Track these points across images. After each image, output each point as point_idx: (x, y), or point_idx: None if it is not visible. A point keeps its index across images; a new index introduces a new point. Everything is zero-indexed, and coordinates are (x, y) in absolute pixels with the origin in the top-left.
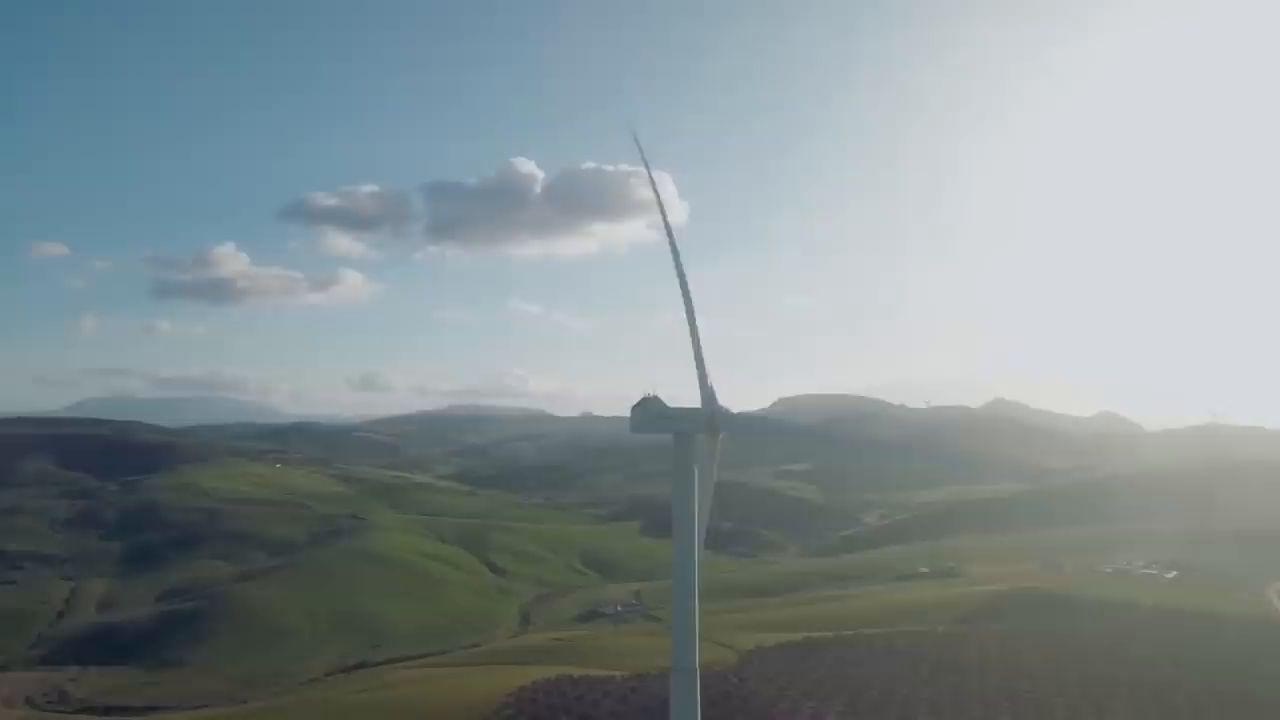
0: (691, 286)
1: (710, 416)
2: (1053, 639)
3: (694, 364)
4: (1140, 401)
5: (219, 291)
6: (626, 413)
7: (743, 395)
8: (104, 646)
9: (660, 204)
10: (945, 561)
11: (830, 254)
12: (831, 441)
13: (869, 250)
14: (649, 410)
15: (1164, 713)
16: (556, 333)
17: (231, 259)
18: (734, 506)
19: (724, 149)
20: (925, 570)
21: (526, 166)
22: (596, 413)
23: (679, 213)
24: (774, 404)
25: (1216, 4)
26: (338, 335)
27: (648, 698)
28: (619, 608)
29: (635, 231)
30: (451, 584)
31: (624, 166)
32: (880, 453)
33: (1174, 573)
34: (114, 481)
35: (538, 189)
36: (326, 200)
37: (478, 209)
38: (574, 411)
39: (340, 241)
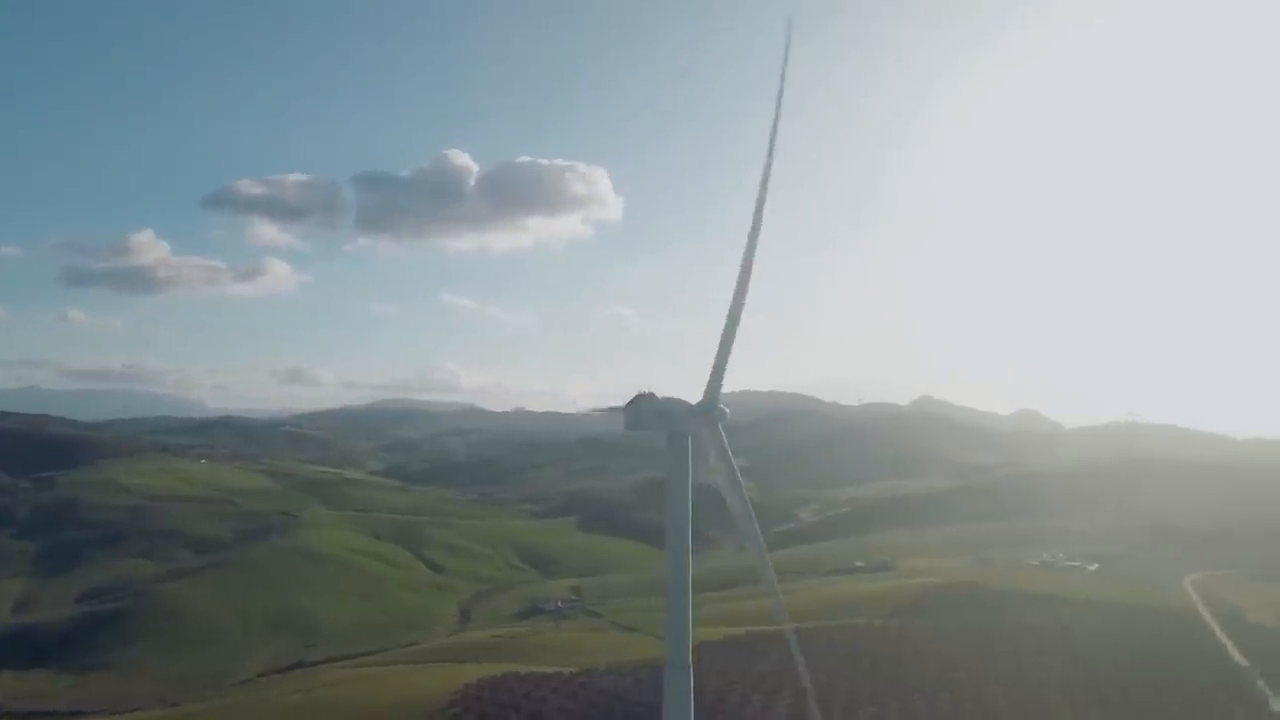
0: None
1: (708, 414)
2: (986, 631)
3: (714, 361)
4: (1058, 400)
5: (137, 280)
6: (560, 408)
7: (675, 391)
8: (20, 649)
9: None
10: (879, 556)
11: (765, 251)
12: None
13: (803, 249)
14: (643, 407)
15: (1096, 700)
16: (489, 327)
17: (151, 247)
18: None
19: (660, 145)
20: (861, 565)
21: (461, 159)
22: (529, 408)
23: (614, 208)
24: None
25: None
26: (263, 327)
27: (596, 693)
28: (559, 604)
29: (570, 226)
30: (388, 581)
31: (560, 161)
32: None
33: (1096, 565)
34: (26, 478)
35: (472, 182)
36: (253, 189)
37: (410, 201)
38: (506, 407)
39: (267, 231)
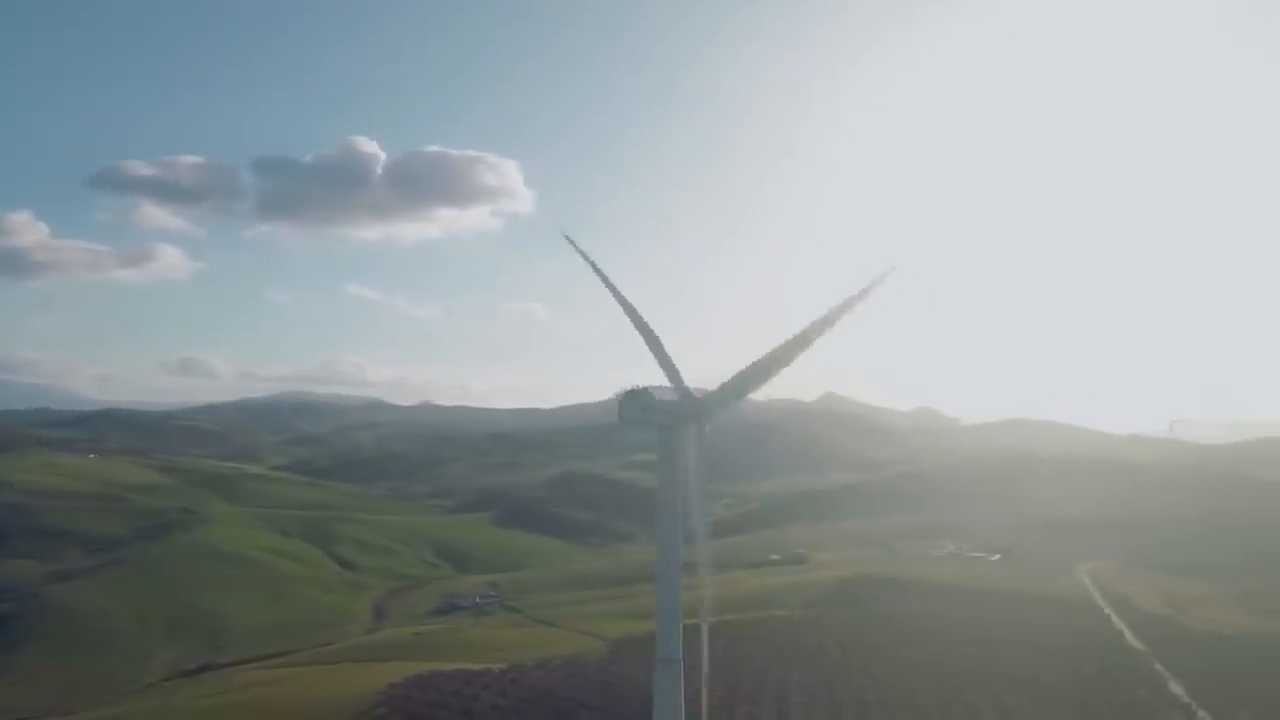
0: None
1: (698, 407)
2: (900, 620)
3: (657, 360)
4: (953, 398)
5: (11, 264)
6: (468, 402)
7: (585, 387)
8: None
9: None
10: (794, 549)
11: (670, 247)
12: None
13: (705, 244)
14: (637, 402)
15: (1009, 685)
16: (395, 319)
17: (28, 228)
18: (584, 497)
19: (573, 139)
20: (776, 558)
21: (367, 146)
22: (437, 402)
23: (524, 201)
24: (616, 395)
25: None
26: (152, 316)
27: (527, 689)
28: (477, 599)
29: (479, 218)
30: (297, 580)
31: (470, 152)
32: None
33: (998, 556)
34: None
35: (379, 170)
36: (142, 169)
37: (313, 188)
38: (413, 400)
39: (157, 215)
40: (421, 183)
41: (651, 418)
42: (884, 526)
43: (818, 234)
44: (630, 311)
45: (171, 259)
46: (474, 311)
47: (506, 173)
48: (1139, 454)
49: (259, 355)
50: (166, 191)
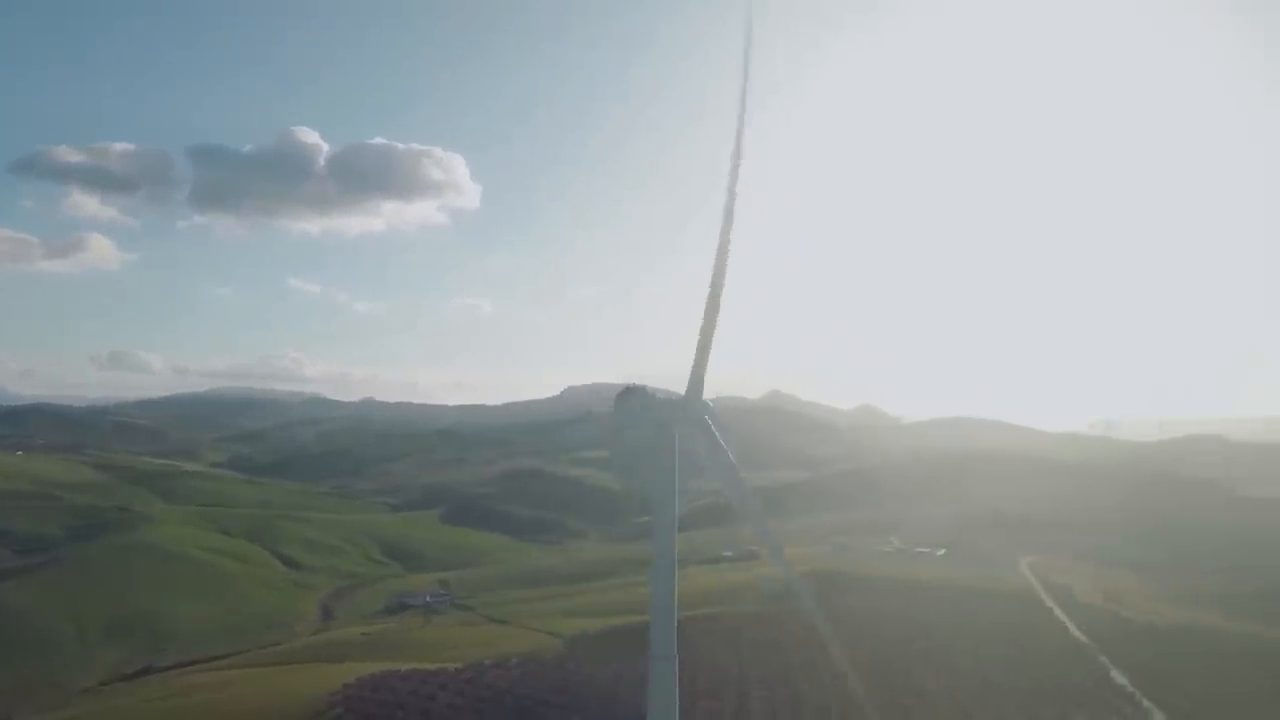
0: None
1: (697, 408)
2: (853, 615)
3: (698, 354)
4: (894, 396)
5: None
6: (413, 399)
7: (531, 384)
8: None
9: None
10: (745, 546)
11: (619, 244)
12: None
13: (653, 242)
14: (634, 401)
15: (960, 676)
16: (337, 314)
17: None
18: (533, 494)
19: (521, 135)
20: (729, 554)
21: (309, 137)
22: (379, 398)
23: (471, 196)
24: (563, 392)
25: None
26: (81, 308)
27: (485, 688)
28: (428, 598)
29: (425, 213)
30: (240, 579)
31: (415, 145)
32: None
33: (942, 551)
34: None
35: (321, 162)
36: (71, 156)
37: (252, 178)
38: (355, 396)
39: (86, 203)
40: (365, 175)
41: (644, 418)
42: (830, 523)
43: (768, 231)
44: (712, 311)
45: (102, 249)
46: (419, 307)
47: (453, 167)
48: (1073, 452)
49: (194, 350)
50: (96, 179)
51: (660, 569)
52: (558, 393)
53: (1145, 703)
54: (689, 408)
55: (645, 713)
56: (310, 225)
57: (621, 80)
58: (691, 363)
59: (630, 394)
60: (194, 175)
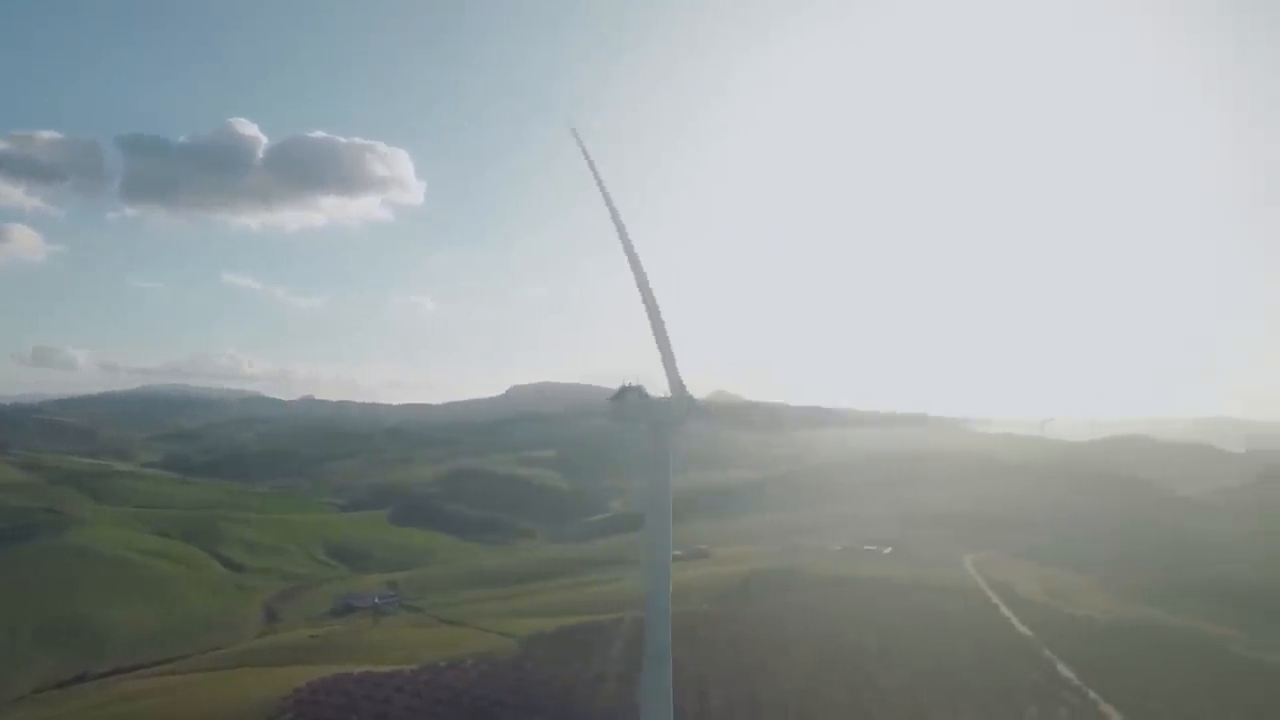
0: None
1: (690, 405)
2: (806, 612)
3: (661, 356)
4: (835, 395)
5: None
6: (354, 397)
7: (475, 383)
8: None
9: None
10: (696, 545)
11: (562, 244)
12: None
13: (596, 241)
14: (630, 400)
15: (914, 672)
16: (276, 310)
17: None
18: (480, 494)
19: (467, 131)
20: (679, 553)
21: (248, 129)
22: (320, 396)
23: (415, 192)
24: (508, 391)
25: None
26: (3, 302)
27: (441, 690)
28: (376, 599)
29: (368, 208)
30: (179, 582)
31: (358, 140)
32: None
33: (889, 549)
34: None
35: (260, 154)
36: None
37: (187, 170)
38: (294, 395)
39: (10, 193)
40: (306, 170)
41: (645, 415)
42: (779, 522)
43: (709, 230)
44: (653, 314)
45: (26, 240)
46: (360, 304)
47: (397, 162)
48: (1012, 451)
49: (123, 346)
50: (20, 167)
51: (655, 567)
52: (503, 392)
53: (1092, 695)
54: (679, 407)
55: (640, 710)
56: (248, 219)
57: (569, 78)
58: (663, 366)
59: (626, 394)
60: (125, 166)
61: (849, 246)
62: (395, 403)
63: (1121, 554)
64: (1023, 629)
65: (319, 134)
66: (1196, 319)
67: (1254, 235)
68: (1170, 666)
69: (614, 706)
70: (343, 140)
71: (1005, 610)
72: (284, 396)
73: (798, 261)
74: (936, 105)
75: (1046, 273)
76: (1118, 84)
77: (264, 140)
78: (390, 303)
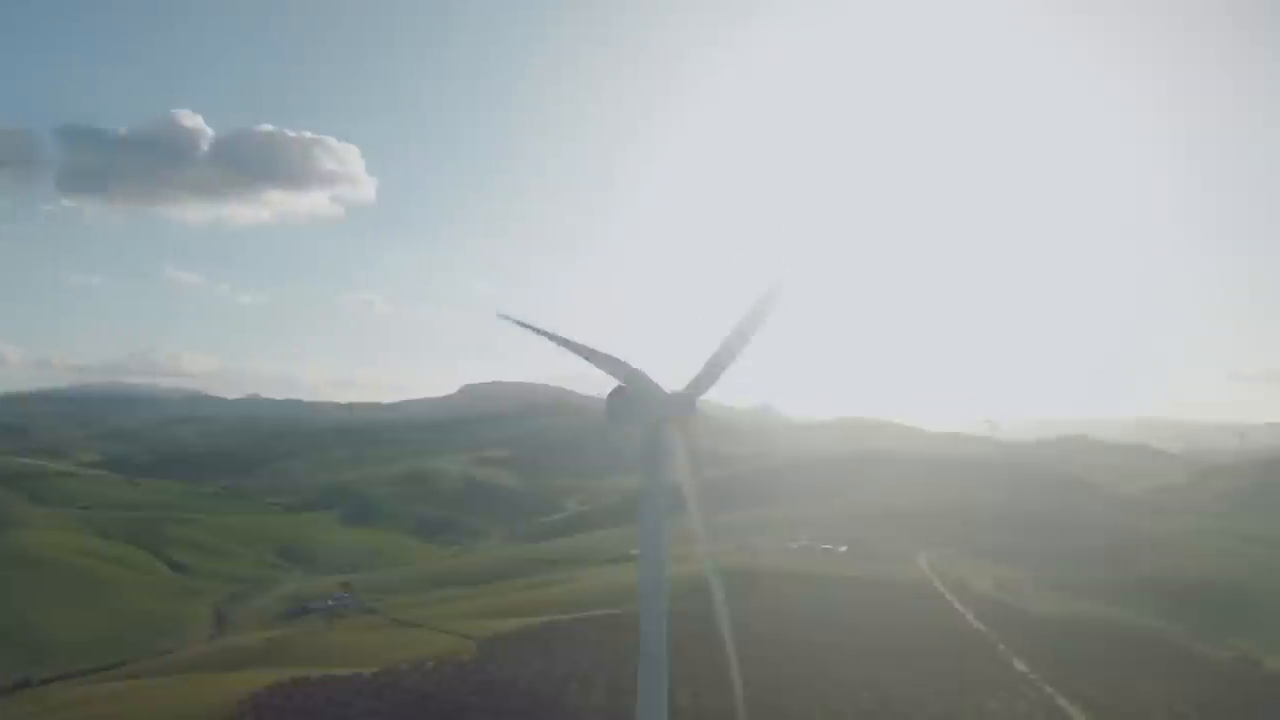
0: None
1: (688, 402)
2: (767, 610)
3: (711, 359)
4: (783, 396)
5: None
6: (300, 395)
7: (427, 382)
8: None
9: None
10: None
11: (514, 243)
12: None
13: (551, 241)
14: (627, 399)
15: (877, 665)
16: (220, 307)
17: None
18: (434, 494)
19: (418, 127)
20: (635, 552)
21: (191, 120)
22: (266, 395)
23: (366, 188)
24: (460, 391)
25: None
26: None
27: (404, 693)
28: (330, 601)
29: (316, 203)
30: (123, 585)
31: (307, 134)
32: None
33: (845, 547)
34: None
35: (204, 147)
36: None
37: (128, 162)
38: (239, 393)
39: None
40: (252, 163)
41: (641, 414)
42: (736, 521)
43: (662, 231)
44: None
45: None
46: (308, 301)
47: (347, 158)
48: (961, 451)
49: (59, 342)
50: None
51: (650, 567)
52: (454, 391)
53: (1048, 689)
54: (683, 402)
55: (637, 710)
56: (191, 213)
57: (521, 76)
58: (709, 359)
59: (622, 393)
60: (62, 157)
61: (791, 248)
62: (344, 401)
63: (1068, 551)
64: (978, 625)
65: (267, 127)
66: (1132, 324)
67: (1192, 240)
68: (1119, 659)
69: (580, 707)
70: (291, 134)
71: (960, 607)
72: (228, 395)
73: (741, 261)
74: (877, 106)
75: (989, 275)
76: (1057, 83)
77: (209, 132)
78: (339, 300)
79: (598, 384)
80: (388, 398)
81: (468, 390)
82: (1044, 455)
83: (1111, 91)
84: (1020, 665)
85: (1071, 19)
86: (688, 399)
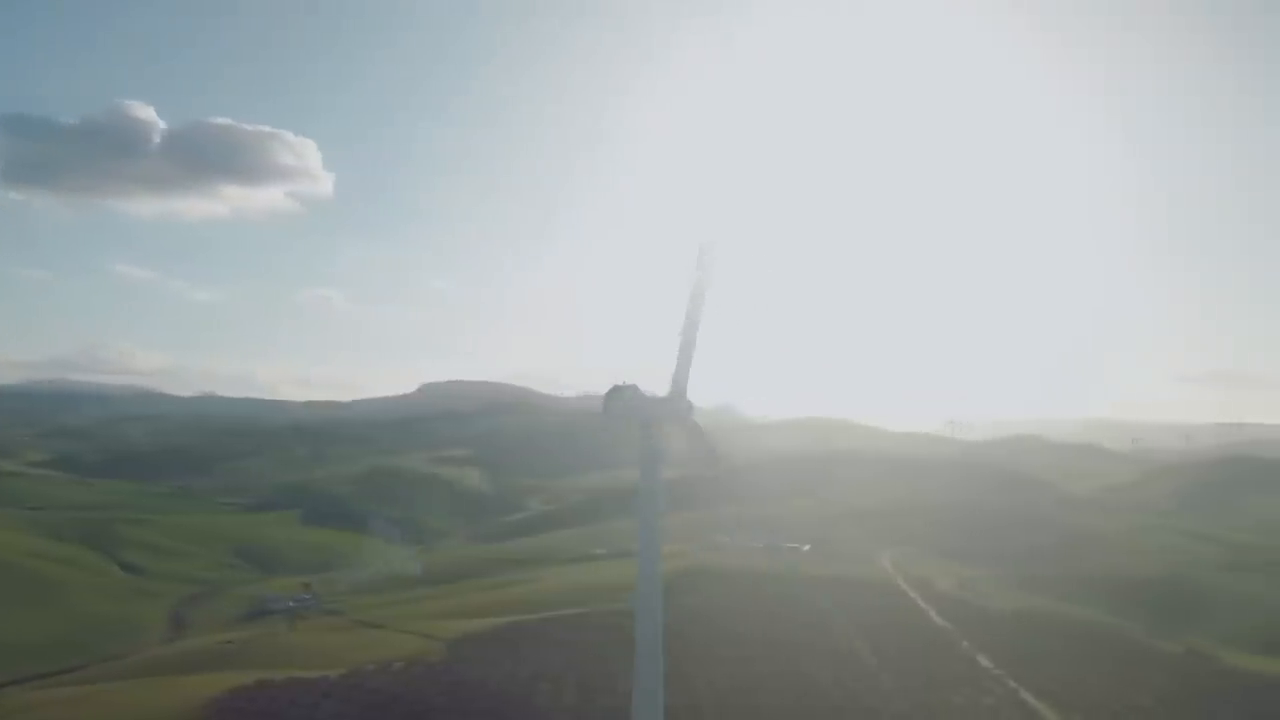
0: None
1: (683, 405)
2: (734, 609)
3: (678, 352)
4: (742, 396)
5: None
6: (256, 393)
7: (386, 380)
8: None
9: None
10: (620, 542)
11: (476, 238)
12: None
13: (513, 238)
14: (623, 398)
15: (844, 663)
16: (172, 303)
17: None
18: (394, 493)
19: (378, 122)
20: (601, 551)
21: (143, 112)
22: (221, 393)
23: (324, 183)
24: (419, 389)
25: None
26: None
27: (371, 695)
28: (291, 603)
29: (272, 198)
30: (74, 587)
31: (264, 127)
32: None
33: (808, 546)
34: None
35: (156, 139)
36: None
37: (76, 154)
38: (192, 391)
39: None
40: (207, 157)
41: (637, 413)
42: (698, 520)
43: (624, 225)
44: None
45: None
46: (264, 297)
47: (304, 152)
48: (921, 450)
49: (3, 338)
50: None
51: (646, 567)
52: (414, 389)
53: (1012, 684)
54: (673, 405)
55: (632, 709)
56: (143, 207)
57: (480, 72)
58: (675, 360)
59: (618, 393)
60: (7, 148)
61: (744, 247)
62: (302, 400)
63: (1023, 549)
64: (941, 622)
65: (222, 120)
66: (1084, 325)
67: (1141, 244)
68: (1077, 654)
69: (550, 707)
70: (247, 127)
71: (923, 604)
72: (181, 393)
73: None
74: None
75: (952, 273)
76: (1005, 89)
77: (161, 124)
78: (296, 296)
79: (559, 384)
80: (346, 396)
81: (427, 389)
82: (998, 455)
83: (1055, 93)
84: (984, 661)
85: (1017, 18)
86: (681, 396)
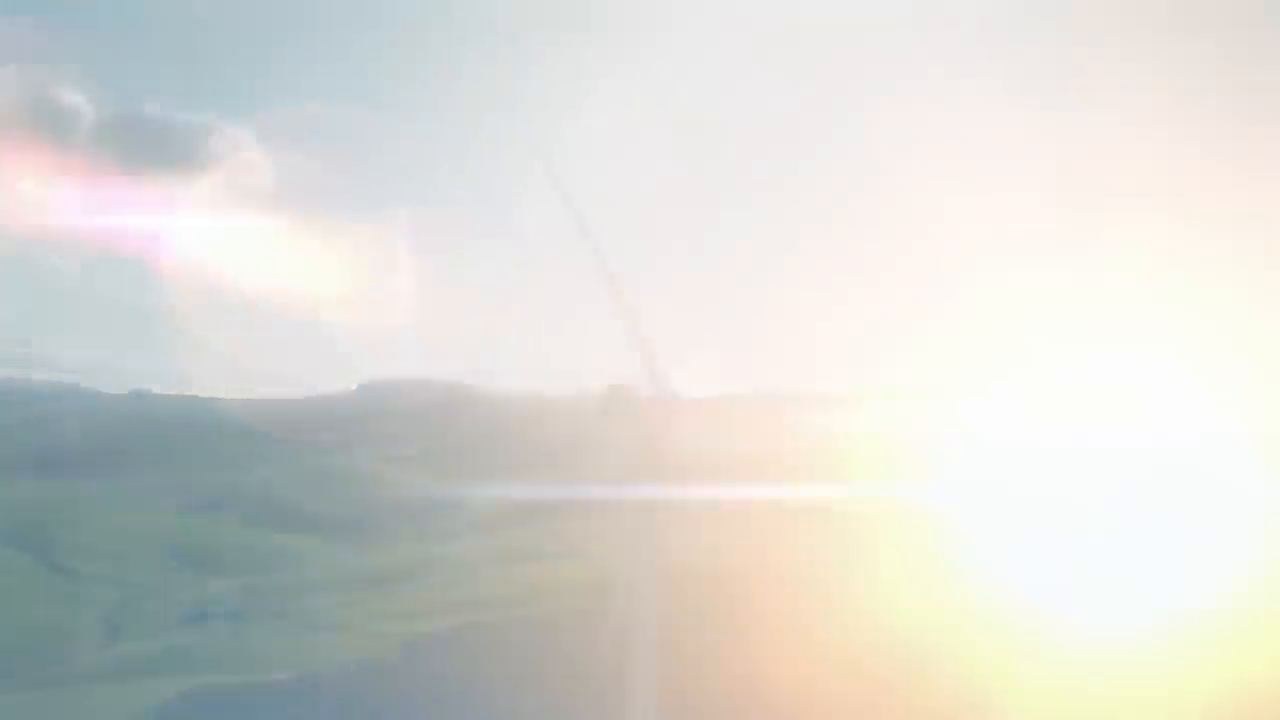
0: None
1: (672, 401)
2: (702, 606)
3: (637, 349)
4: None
5: None
6: (191, 390)
7: (324, 377)
8: None
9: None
10: (572, 541)
11: (415, 233)
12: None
13: (455, 232)
14: (620, 398)
15: (815, 660)
16: (100, 295)
17: None
18: (340, 492)
19: (315, 109)
20: (554, 549)
21: (69, 98)
22: (154, 390)
23: (261, 174)
24: (359, 387)
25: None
26: None
27: (325, 698)
28: (235, 606)
29: (207, 190)
30: (4, 593)
31: (198, 116)
32: None
33: None
34: None
35: (84, 128)
36: None
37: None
38: (122, 388)
39: None
40: (138, 148)
41: (634, 412)
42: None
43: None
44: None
45: None
46: (200, 292)
47: (242, 142)
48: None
49: None
50: None
51: (642, 566)
52: (354, 387)
53: None
54: (670, 402)
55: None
56: (69, 197)
57: (427, 60)
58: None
59: (616, 391)
60: None
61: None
62: (240, 397)
63: None
64: None
65: (153, 108)
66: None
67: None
68: None
69: (509, 707)
70: (179, 115)
71: None
72: (109, 389)
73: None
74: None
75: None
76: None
77: (89, 112)
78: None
79: (505, 380)
80: (286, 393)
81: (369, 386)
82: None
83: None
84: None
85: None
86: (665, 390)
